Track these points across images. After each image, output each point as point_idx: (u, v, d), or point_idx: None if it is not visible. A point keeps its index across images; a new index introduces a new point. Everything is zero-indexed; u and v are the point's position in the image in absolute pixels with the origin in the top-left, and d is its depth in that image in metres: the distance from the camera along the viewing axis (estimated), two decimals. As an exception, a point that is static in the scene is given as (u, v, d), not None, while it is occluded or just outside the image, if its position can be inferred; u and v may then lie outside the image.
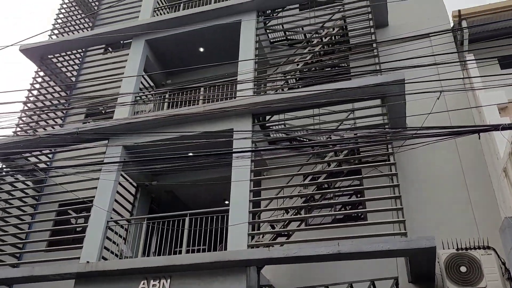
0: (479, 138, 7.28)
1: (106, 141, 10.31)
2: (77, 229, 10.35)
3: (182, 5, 13.07)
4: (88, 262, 8.63)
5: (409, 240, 7.22)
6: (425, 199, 9.29)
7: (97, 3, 14.98)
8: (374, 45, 10.03)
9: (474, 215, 8.86)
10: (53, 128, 12.10)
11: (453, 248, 7.88)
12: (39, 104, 12.61)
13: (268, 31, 12.13)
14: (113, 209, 9.93)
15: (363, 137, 9.11)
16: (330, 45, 11.16)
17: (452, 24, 10.74)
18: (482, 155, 9.44)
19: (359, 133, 9.24)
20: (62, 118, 12.55)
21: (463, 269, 7.51)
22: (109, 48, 13.78)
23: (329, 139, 9.62)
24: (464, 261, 7.58)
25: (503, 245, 7.65)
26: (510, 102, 8.07)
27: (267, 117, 10.25)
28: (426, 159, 9.69)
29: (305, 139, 10.37)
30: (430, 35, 10.17)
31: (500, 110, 8.35)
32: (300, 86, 10.33)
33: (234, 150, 9.06)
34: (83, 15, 14.46)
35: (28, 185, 11.45)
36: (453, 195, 9.23)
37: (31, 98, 12.53)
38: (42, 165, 11.62)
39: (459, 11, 10.04)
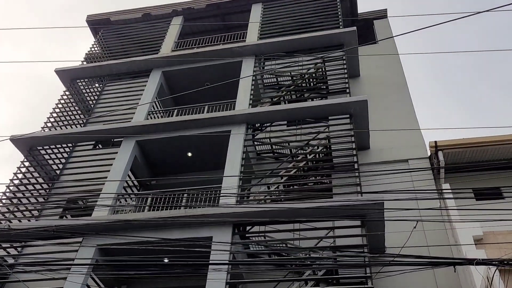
0: (455, 271, 7.32)
1: (80, 239, 10.02)
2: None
3: (176, 111, 13.68)
4: None
5: None
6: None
7: (94, 101, 15.54)
8: (356, 166, 10.49)
9: None
10: (29, 220, 11.79)
11: None
12: (18, 195, 12.38)
13: (255, 143, 12.61)
14: (76, 314, 9.31)
15: (342, 256, 9.08)
16: (314, 162, 11.58)
17: (429, 153, 11.35)
18: (460, 286, 9.35)
19: (338, 253, 9.22)
20: (39, 211, 12.25)
21: None
22: (99, 145, 14.01)
23: (308, 255, 9.52)
24: None
25: None
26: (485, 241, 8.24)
27: (248, 228, 10.21)
28: (404, 285, 9.52)
29: (284, 254, 10.25)
30: (410, 164, 10.78)
31: (476, 241, 8.49)
32: (283, 200, 10.49)
33: (210, 262, 8.85)
34: (78, 112, 14.87)
35: (-11, 280, 10.81)
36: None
37: (12, 188, 12.35)
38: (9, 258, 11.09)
39: (436, 142, 10.69)
